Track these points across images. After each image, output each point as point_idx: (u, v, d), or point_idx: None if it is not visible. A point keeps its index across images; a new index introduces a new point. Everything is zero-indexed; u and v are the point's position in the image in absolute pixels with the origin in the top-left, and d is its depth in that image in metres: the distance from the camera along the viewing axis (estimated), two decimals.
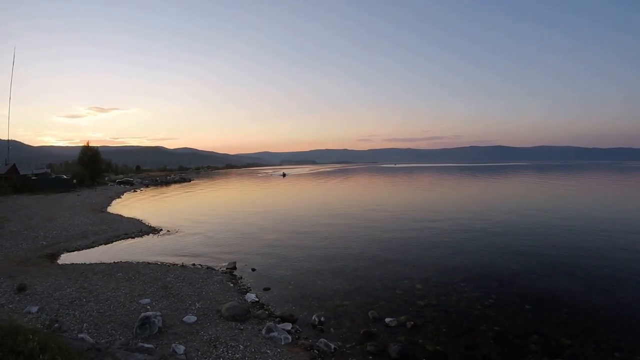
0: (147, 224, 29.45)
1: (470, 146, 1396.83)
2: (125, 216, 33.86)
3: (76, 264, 17.82)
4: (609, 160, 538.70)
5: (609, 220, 29.11)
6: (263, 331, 10.15)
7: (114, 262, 18.04)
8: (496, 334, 10.57)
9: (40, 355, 5.88)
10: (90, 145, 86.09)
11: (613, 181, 78.51)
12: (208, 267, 17.26)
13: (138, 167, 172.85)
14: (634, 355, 9.47)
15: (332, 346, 9.67)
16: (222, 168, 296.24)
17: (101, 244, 22.51)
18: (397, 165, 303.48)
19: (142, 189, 76.60)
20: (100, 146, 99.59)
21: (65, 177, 68.58)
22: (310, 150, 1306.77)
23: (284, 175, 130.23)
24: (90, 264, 17.53)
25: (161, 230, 26.97)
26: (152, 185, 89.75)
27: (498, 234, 24.07)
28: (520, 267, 17.03)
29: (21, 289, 12.86)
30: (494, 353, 9.62)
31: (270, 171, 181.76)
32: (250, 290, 14.21)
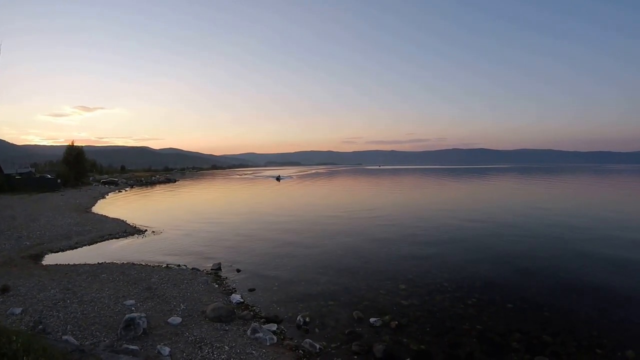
0: (131, 224, 29.22)
1: (454, 149, 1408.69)
2: (110, 217, 33.52)
3: (60, 264, 17.63)
4: (589, 164, 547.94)
5: (588, 219, 29.63)
6: (248, 332, 10.17)
7: (98, 263, 17.89)
8: (479, 333, 10.72)
9: (24, 357, 5.85)
10: (75, 144, 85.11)
11: (591, 183, 79.93)
12: (193, 268, 17.20)
13: (123, 168, 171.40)
14: (615, 352, 9.68)
15: (317, 346, 9.73)
16: (208, 169, 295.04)
17: (85, 245, 22.29)
18: (381, 167, 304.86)
19: (126, 189, 75.97)
20: (85, 146, 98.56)
21: (49, 176, 67.71)
22: (295, 152, 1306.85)
23: (278, 179, 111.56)
24: (74, 265, 17.36)
25: (146, 231, 26.80)
26: (137, 185, 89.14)
27: (480, 234, 24.36)
28: (502, 266, 17.27)
29: (4, 290, 12.73)
30: (477, 351, 9.76)
31: (267, 173, 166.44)
32: (235, 291, 14.20)
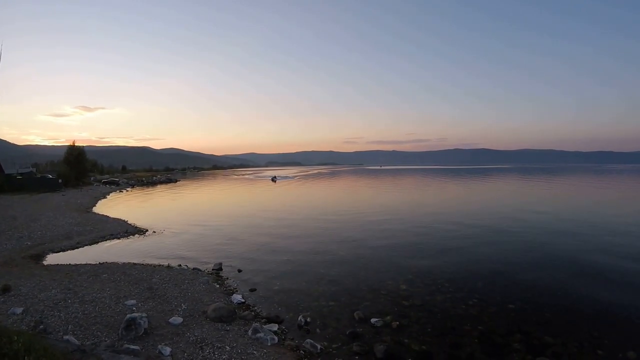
0: (132, 224, 29.24)
1: (455, 149, 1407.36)
2: (111, 217, 33.54)
3: (61, 264, 17.66)
4: (590, 164, 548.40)
5: (590, 221, 29.58)
6: (249, 332, 10.18)
7: (99, 262, 17.91)
8: (480, 333, 10.71)
9: (25, 357, 5.86)
10: (75, 144, 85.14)
11: (593, 183, 79.89)
12: (194, 268, 17.20)
13: (124, 168, 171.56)
14: (616, 352, 9.66)
15: (318, 347, 9.73)
16: (209, 169, 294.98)
17: (86, 245, 22.31)
18: (383, 168, 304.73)
19: (128, 189, 76.00)
20: (86, 146, 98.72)
21: (50, 176, 67.74)
22: (296, 152, 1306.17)
23: (274, 179, 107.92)
24: (76, 265, 17.38)
25: (147, 231, 26.81)
26: (138, 185, 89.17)
27: (480, 235, 24.34)
28: (503, 267, 17.25)
29: (5, 290, 12.73)
30: (478, 352, 9.75)
31: (268, 173, 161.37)
32: (236, 291, 14.21)
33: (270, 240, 23.40)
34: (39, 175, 69.69)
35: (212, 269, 17.08)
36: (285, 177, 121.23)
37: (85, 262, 17.99)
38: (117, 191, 69.46)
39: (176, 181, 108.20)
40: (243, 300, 13.15)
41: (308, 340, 10.00)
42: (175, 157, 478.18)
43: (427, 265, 17.64)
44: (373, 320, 11.49)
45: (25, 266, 17.15)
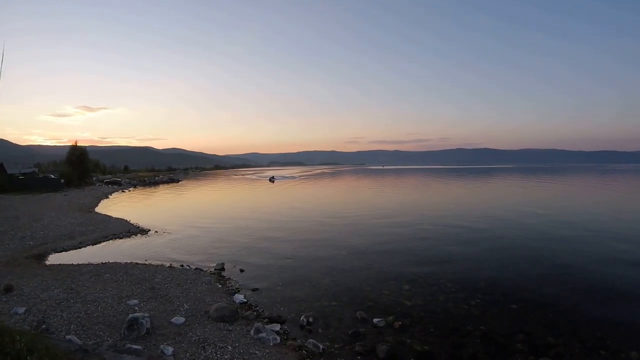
0: (135, 224, 29.25)
1: (457, 148, 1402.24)
2: (113, 216, 33.55)
3: (63, 264, 17.67)
4: (593, 163, 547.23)
5: (593, 222, 29.55)
6: (251, 332, 10.17)
7: (102, 262, 17.91)
8: (483, 334, 10.69)
9: (28, 357, 5.86)
10: (78, 144, 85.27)
11: (596, 184, 79.70)
12: (196, 268, 17.22)
13: (126, 168, 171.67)
14: (619, 353, 9.64)
15: (321, 347, 9.72)
16: (211, 169, 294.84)
17: (89, 245, 22.33)
18: (385, 167, 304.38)
19: (130, 189, 76.13)
20: (88, 146, 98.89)
21: (52, 176, 67.85)
22: (298, 152, 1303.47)
23: (272, 180, 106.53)
24: (78, 265, 17.39)
25: (149, 230, 26.82)
26: (140, 185, 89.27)
27: (483, 235, 24.30)
28: (505, 267, 17.23)
29: (8, 289, 12.76)
30: (481, 352, 9.73)
31: (269, 173, 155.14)
32: (239, 291, 14.20)
33: (272, 241, 23.40)
34: (41, 175, 69.85)
35: (215, 269, 17.08)
36: (291, 177, 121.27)
37: (87, 262, 18.00)
38: (120, 191, 69.58)
39: (178, 181, 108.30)
40: (245, 300, 13.14)
41: (310, 340, 9.99)
42: (178, 157, 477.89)
43: (429, 265, 17.62)
44: (375, 320, 11.47)
45: (28, 266, 17.18)
